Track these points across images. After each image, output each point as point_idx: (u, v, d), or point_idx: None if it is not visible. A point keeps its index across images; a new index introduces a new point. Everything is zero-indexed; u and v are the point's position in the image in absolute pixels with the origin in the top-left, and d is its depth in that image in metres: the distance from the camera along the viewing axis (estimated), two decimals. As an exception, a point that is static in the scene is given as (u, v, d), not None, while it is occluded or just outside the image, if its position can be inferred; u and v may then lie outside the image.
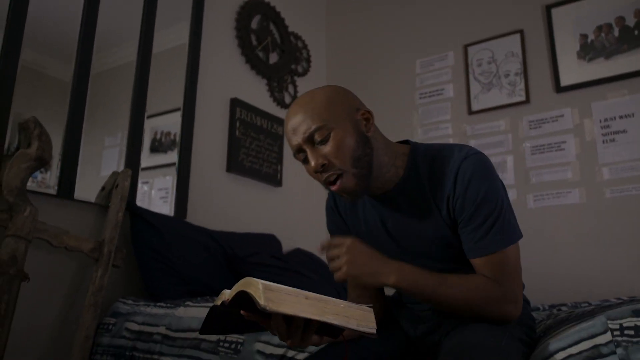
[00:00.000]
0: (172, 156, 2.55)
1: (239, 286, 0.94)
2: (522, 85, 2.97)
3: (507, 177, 2.90)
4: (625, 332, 1.05)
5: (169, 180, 2.52)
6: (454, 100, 3.19)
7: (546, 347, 1.13)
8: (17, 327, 1.79)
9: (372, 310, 1.01)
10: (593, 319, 1.12)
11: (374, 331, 0.99)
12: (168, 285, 2.11)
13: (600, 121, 2.71)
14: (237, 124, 2.88)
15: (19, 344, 1.84)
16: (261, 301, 0.87)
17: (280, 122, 3.15)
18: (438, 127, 3.21)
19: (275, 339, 1.52)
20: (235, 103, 2.90)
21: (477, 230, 1.16)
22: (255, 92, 3.11)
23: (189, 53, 2.68)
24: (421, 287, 1.15)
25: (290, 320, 1.01)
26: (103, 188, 2.19)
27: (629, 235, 2.53)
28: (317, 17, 3.80)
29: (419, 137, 3.25)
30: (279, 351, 1.50)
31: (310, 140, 1.16)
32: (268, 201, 3.05)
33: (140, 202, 2.35)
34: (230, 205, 2.80)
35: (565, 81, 2.84)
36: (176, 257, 2.15)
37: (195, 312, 1.82)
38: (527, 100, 2.93)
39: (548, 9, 2.96)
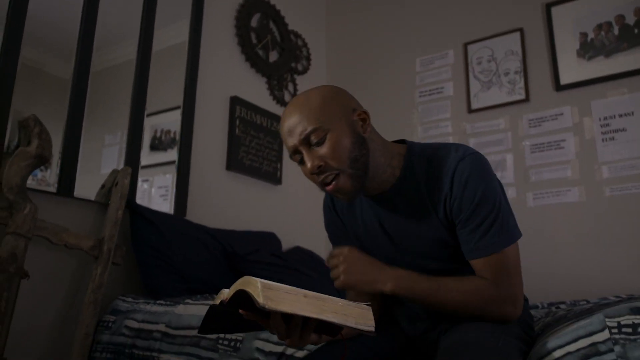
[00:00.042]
0: (172, 154, 2.55)
1: (237, 285, 0.94)
2: (522, 84, 2.97)
3: (507, 175, 2.90)
4: (623, 329, 1.05)
5: (169, 179, 2.52)
6: (454, 98, 3.19)
7: (544, 345, 1.13)
8: (17, 325, 1.79)
9: (370, 308, 1.01)
10: (591, 317, 1.12)
11: (373, 329, 0.99)
12: (168, 283, 2.11)
13: (600, 119, 2.71)
14: (237, 122, 2.88)
15: (19, 342, 1.84)
16: (260, 300, 0.87)
17: (280, 120, 3.15)
18: (438, 126, 3.21)
19: (275, 337, 1.52)
20: (235, 101, 2.90)
21: (475, 231, 1.15)
22: (255, 90, 3.11)
23: (189, 51, 2.68)
24: (418, 293, 1.17)
25: (289, 319, 1.02)
26: (103, 186, 2.19)
27: (628, 233, 2.53)
28: (317, 16, 3.80)
29: (419, 135, 3.25)
30: (278, 349, 1.50)
31: (306, 141, 1.16)
32: (268, 199, 3.06)
33: (140, 200, 2.35)
34: (230, 203, 2.81)
35: (565, 80, 2.84)
36: (176, 254, 2.15)
37: (194, 310, 1.83)
38: (526, 99, 2.94)
39: (548, 7, 2.96)
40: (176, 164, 2.54)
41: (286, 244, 2.97)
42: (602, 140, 2.68)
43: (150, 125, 2.49)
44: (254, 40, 3.14)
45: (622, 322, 1.06)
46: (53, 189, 2.03)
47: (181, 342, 1.75)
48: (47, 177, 2.04)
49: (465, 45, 3.21)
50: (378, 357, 1.25)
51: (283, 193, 3.15)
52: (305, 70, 3.50)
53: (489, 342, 1.08)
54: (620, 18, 2.76)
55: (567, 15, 2.90)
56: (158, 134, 2.53)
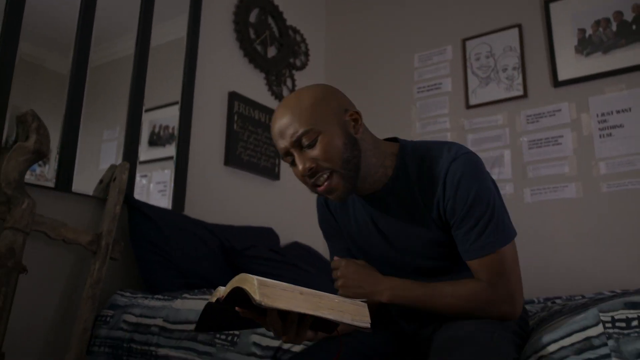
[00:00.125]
0: (171, 150, 2.55)
1: (234, 282, 0.94)
2: (520, 80, 2.97)
3: (504, 171, 2.91)
4: (617, 324, 1.06)
5: (167, 174, 2.52)
6: (452, 94, 3.19)
7: (539, 339, 1.14)
8: (15, 320, 1.80)
9: (366, 305, 1.02)
10: (585, 312, 1.13)
11: (369, 325, 1.00)
12: (165, 277, 2.12)
13: (598, 116, 2.71)
14: (235, 118, 2.88)
15: (17, 337, 1.85)
16: (256, 297, 0.88)
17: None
18: (436, 121, 3.21)
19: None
20: (233, 97, 2.90)
21: (470, 232, 1.15)
22: (254, 85, 3.11)
23: (187, 46, 2.68)
24: (413, 301, 1.20)
25: (285, 316, 1.02)
26: (101, 181, 2.19)
27: (625, 229, 2.54)
28: (315, 11, 3.79)
29: (417, 131, 3.26)
30: (275, 343, 1.51)
31: (297, 144, 1.15)
32: (266, 195, 3.06)
33: (138, 195, 2.35)
34: (228, 198, 2.81)
35: (562, 76, 2.84)
36: (174, 249, 2.16)
37: (192, 305, 1.83)
38: (524, 95, 2.94)
39: (546, 3, 2.96)
40: (174, 159, 2.54)
41: (284, 239, 2.98)
42: (600, 136, 2.69)
43: (149, 121, 2.50)
44: (253, 36, 3.14)
45: (616, 317, 1.07)
46: (51, 184, 2.03)
47: (179, 337, 1.75)
48: (46, 173, 2.04)
49: (464, 41, 3.21)
50: (374, 353, 1.26)
51: (281, 188, 3.16)
52: (303, 66, 3.50)
53: (483, 336, 1.08)
54: (619, 14, 2.76)
55: (566, 11, 2.90)
56: (156, 130, 2.53)
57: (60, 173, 2.05)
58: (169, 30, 2.66)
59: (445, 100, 3.21)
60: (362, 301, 1.03)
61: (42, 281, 1.97)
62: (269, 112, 3.10)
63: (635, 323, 1.04)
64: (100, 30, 2.27)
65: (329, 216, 1.41)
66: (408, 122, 3.31)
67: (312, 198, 1.50)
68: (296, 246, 2.86)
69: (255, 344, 1.55)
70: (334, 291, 1.43)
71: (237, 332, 1.62)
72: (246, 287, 0.90)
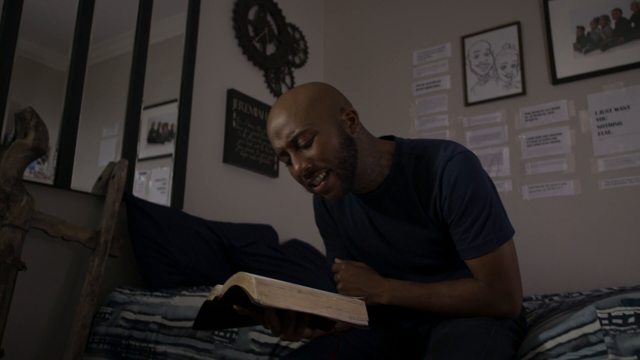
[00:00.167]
0: (170, 147, 2.56)
1: (231, 281, 0.95)
2: (519, 77, 2.97)
3: (503, 168, 2.91)
4: (614, 321, 1.06)
5: (166, 171, 2.52)
6: (451, 91, 3.20)
7: (536, 336, 1.14)
8: (14, 317, 1.80)
9: (363, 302, 1.02)
10: (582, 309, 1.13)
11: (366, 323, 1.00)
12: (164, 274, 2.12)
13: (596, 113, 2.72)
14: (234, 115, 2.88)
15: (16, 333, 1.85)
16: (255, 295, 0.88)
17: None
18: (435, 119, 3.21)
19: (269, 329, 1.54)
20: (232, 94, 2.90)
21: (468, 232, 1.15)
22: (252, 83, 3.11)
23: (186, 44, 2.68)
24: (413, 302, 1.22)
25: (283, 314, 1.03)
26: (100, 178, 2.19)
27: (623, 226, 2.54)
28: (314, 9, 3.79)
29: (416, 128, 3.26)
30: (273, 340, 1.52)
31: (293, 144, 1.14)
32: (264, 192, 3.06)
33: (137, 192, 2.36)
34: (227, 196, 2.81)
35: (561, 73, 2.84)
36: (173, 246, 2.16)
37: (191, 302, 1.84)
38: (523, 92, 2.94)
39: (545, 1, 2.96)
40: (173, 156, 2.54)
41: (283, 236, 2.98)
42: (598, 133, 2.69)
43: (148, 118, 2.50)
44: (251, 33, 3.14)
45: (613, 314, 1.07)
46: (50, 182, 2.03)
47: (177, 334, 1.76)
48: (45, 170, 2.04)
49: (463, 38, 3.21)
50: (372, 349, 1.26)
51: (280, 186, 3.16)
52: (302, 63, 3.50)
53: (480, 333, 1.09)
54: (617, 12, 2.76)
55: (564, 8, 2.90)
56: (155, 127, 2.53)
57: (59, 170, 2.05)
58: (167, 27, 2.66)
59: (444, 98, 3.21)
60: (359, 299, 1.03)
61: (41, 278, 1.97)
62: (268, 109, 3.11)
63: (631, 320, 1.04)
64: (100, 28, 2.27)
65: (326, 214, 1.41)
66: (407, 120, 3.31)
67: (311, 196, 1.50)
68: (295, 243, 2.86)
69: (254, 341, 1.56)
70: (332, 288, 1.44)
71: (235, 329, 1.62)
72: (244, 285, 0.90)
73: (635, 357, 1.00)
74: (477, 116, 3.07)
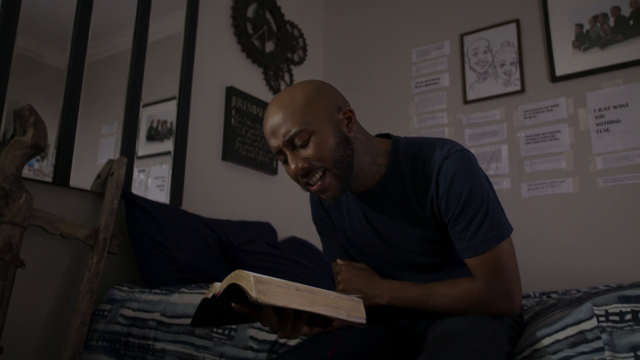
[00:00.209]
0: (169, 144, 2.56)
1: (229, 279, 0.95)
2: (518, 75, 2.97)
3: (502, 166, 2.92)
4: (610, 318, 1.06)
5: (165, 169, 2.53)
6: (450, 89, 3.20)
7: (534, 333, 1.15)
8: (13, 314, 1.81)
9: (361, 300, 1.03)
10: (580, 306, 1.14)
11: (364, 321, 1.00)
12: (163, 272, 2.12)
13: (595, 111, 2.72)
14: (233, 113, 2.89)
15: (15, 330, 1.85)
16: (253, 294, 0.88)
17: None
18: (434, 117, 3.21)
19: (268, 327, 1.54)
20: (231, 91, 2.90)
21: (466, 231, 1.15)
22: (251, 80, 3.11)
23: (185, 41, 2.68)
24: (412, 302, 1.23)
25: (280, 312, 1.03)
26: (99, 176, 2.20)
27: (621, 224, 2.55)
28: (313, 6, 3.79)
29: (415, 126, 3.26)
30: (272, 337, 1.52)
31: (290, 143, 1.14)
32: (263, 189, 3.07)
33: (137, 190, 2.36)
34: (226, 193, 2.82)
35: (560, 71, 2.84)
36: (171, 244, 2.17)
37: (189, 299, 1.84)
38: (522, 90, 2.94)
39: (544, -2, 2.96)
40: (172, 154, 2.54)
41: (282, 234, 2.99)
42: (597, 131, 2.69)
43: (147, 116, 2.50)
44: (250, 31, 3.14)
45: (610, 311, 1.08)
46: (49, 179, 2.04)
47: (176, 331, 1.76)
48: (44, 168, 2.05)
49: (462, 36, 3.21)
50: (369, 346, 1.26)
51: (279, 183, 3.16)
52: (301, 61, 3.50)
53: (478, 330, 1.09)
54: (616, 9, 2.76)
55: (563, 6, 2.90)
56: (154, 125, 2.54)
57: (57, 167, 2.05)
58: (166, 25, 2.66)
59: (443, 96, 3.21)
60: (357, 297, 1.04)
61: (40, 275, 1.97)
62: (267, 107, 3.10)
63: (628, 317, 1.05)
64: (98, 25, 2.27)
65: (323, 212, 1.41)
66: (406, 117, 3.31)
67: (309, 193, 1.50)
68: (294, 241, 2.87)
69: (252, 338, 1.56)
70: (331, 286, 1.44)
71: (234, 326, 1.63)
72: (242, 283, 0.90)
73: (632, 354, 1.00)
74: (476, 114, 3.07)
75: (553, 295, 1.82)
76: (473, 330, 1.09)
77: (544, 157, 2.81)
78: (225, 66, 2.94)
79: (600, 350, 1.04)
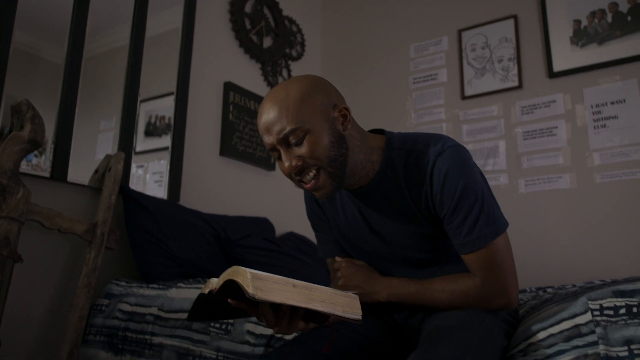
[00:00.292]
0: (167, 140, 2.56)
1: (226, 275, 0.95)
2: (515, 71, 2.98)
3: (499, 162, 2.92)
4: (605, 312, 1.07)
5: (163, 164, 2.53)
6: (448, 85, 3.20)
7: (529, 327, 1.16)
8: (11, 308, 1.81)
9: (357, 297, 1.03)
10: (575, 300, 1.14)
11: (360, 317, 1.01)
12: (160, 267, 2.13)
13: (592, 107, 2.72)
14: (231, 108, 2.89)
15: (13, 325, 1.86)
16: (250, 290, 0.88)
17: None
18: (431, 112, 3.22)
19: (264, 322, 1.55)
20: (228, 87, 2.90)
21: (462, 226, 1.15)
22: (249, 76, 3.11)
23: (183, 37, 2.68)
24: (409, 298, 1.24)
25: (277, 308, 1.03)
26: (96, 171, 2.20)
27: (618, 220, 2.55)
28: (311, 2, 3.79)
29: (413, 121, 3.26)
30: (268, 331, 1.53)
31: (284, 141, 1.13)
32: (261, 185, 3.07)
33: (135, 185, 2.36)
34: (224, 188, 2.82)
35: (557, 67, 2.85)
36: (169, 239, 2.17)
37: (187, 294, 1.85)
38: (519, 86, 2.95)
39: (542, -6, 2.96)
40: (170, 149, 2.54)
41: (280, 229, 2.99)
42: (594, 127, 2.70)
43: (145, 111, 2.50)
44: (248, 26, 3.14)
45: (604, 305, 1.08)
46: (47, 174, 2.04)
47: (173, 325, 1.77)
48: (42, 163, 2.05)
49: (460, 31, 3.21)
50: (365, 341, 1.27)
51: (276, 179, 3.16)
52: (299, 56, 3.50)
53: (472, 324, 1.10)
54: (614, 5, 2.76)
55: (561, 2, 2.90)
56: (153, 120, 2.54)
57: (55, 162, 2.06)
58: (164, 20, 2.65)
59: (440, 91, 3.21)
60: (354, 293, 1.04)
61: (38, 270, 1.98)
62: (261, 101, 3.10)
63: (622, 311, 1.06)
64: (96, 21, 2.27)
65: (317, 208, 1.41)
66: (404, 113, 3.31)
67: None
68: (291, 236, 2.87)
69: (249, 332, 1.57)
70: (328, 281, 1.45)
71: (231, 321, 1.63)
72: (239, 279, 0.91)
73: (626, 348, 1.01)
74: (473, 109, 3.07)
75: (549, 289, 1.83)
76: (468, 324, 1.10)
77: (541, 152, 2.81)
78: (223, 61, 2.94)
79: (594, 344, 1.04)
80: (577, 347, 1.06)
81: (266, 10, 3.29)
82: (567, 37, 2.85)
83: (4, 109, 1.90)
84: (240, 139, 2.91)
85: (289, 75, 3.38)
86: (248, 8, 3.16)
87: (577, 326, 1.09)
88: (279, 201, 3.13)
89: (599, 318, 1.07)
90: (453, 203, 1.14)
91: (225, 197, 2.80)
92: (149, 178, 2.49)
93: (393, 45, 3.45)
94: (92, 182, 2.18)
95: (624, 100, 2.65)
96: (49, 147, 2.06)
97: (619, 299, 1.08)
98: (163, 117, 2.56)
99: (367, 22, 3.60)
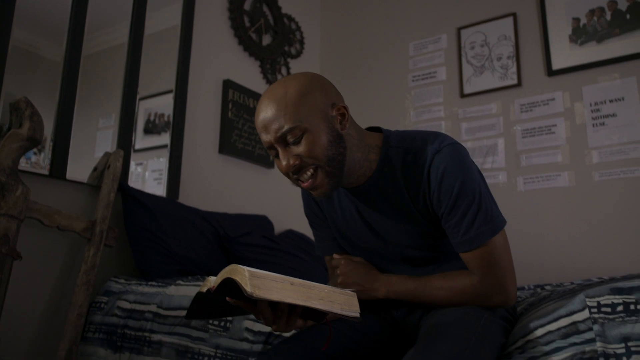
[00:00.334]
0: (166, 138, 2.56)
1: (224, 273, 0.95)
2: (514, 69, 2.98)
3: (498, 160, 2.92)
4: (602, 309, 1.07)
5: (162, 162, 2.53)
6: (447, 83, 3.20)
7: (526, 324, 1.16)
8: (9, 306, 1.81)
9: (355, 294, 1.04)
10: (572, 297, 1.15)
11: (358, 315, 1.01)
12: (159, 264, 2.13)
13: (591, 105, 2.72)
14: (230, 106, 2.89)
15: (12, 322, 1.86)
16: (248, 288, 0.88)
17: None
18: (430, 110, 3.22)
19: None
20: (227, 85, 2.90)
21: (460, 225, 1.15)
22: (248, 73, 3.11)
23: (182, 35, 2.68)
24: (408, 295, 1.24)
25: (275, 306, 1.04)
26: (95, 168, 2.20)
27: (616, 218, 2.56)
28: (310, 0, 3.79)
29: (412, 119, 3.27)
30: (267, 329, 1.53)
31: (282, 140, 1.12)
32: (260, 182, 3.07)
33: (134, 183, 2.36)
34: (223, 186, 2.82)
35: (556, 65, 2.85)
36: (168, 236, 2.17)
37: (185, 291, 1.85)
38: (518, 84, 2.95)
39: (541, -8, 2.96)
40: (169, 147, 2.54)
41: (279, 227, 2.99)
42: (593, 125, 2.70)
43: (145, 109, 2.50)
44: (247, 24, 3.14)
45: (602, 302, 1.09)
46: (46, 172, 2.04)
47: (172, 322, 1.77)
48: (41, 161, 2.05)
49: (459, 29, 3.21)
50: (363, 338, 1.27)
51: (275, 177, 3.16)
52: (298, 54, 3.50)
53: (470, 321, 1.10)
54: (613, 3, 2.76)
55: (560, 0, 2.90)
56: (152, 118, 2.54)
57: (54, 160, 2.05)
58: (163, 18, 2.65)
59: (439, 89, 3.21)
60: (352, 291, 1.04)
61: (37, 268, 1.98)
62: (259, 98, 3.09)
63: (620, 308, 1.06)
64: (95, 18, 2.26)
65: (315, 206, 1.41)
66: (402, 111, 3.31)
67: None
68: (290, 234, 2.87)
69: (248, 330, 1.57)
70: (326, 279, 1.45)
71: (229, 318, 1.63)
72: (237, 278, 0.91)
73: (623, 345, 1.01)
74: (472, 107, 3.07)
75: (547, 287, 1.83)
76: (466, 321, 1.10)
77: (540, 150, 2.82)
78: (222, 59, 2.94)
79: (591, 341, 1.05)
80: (575, 344, 1.06)
81: (265, 8, 3.29)
82: (566, 35, 2.85)
83: (2, 106, 1.90)
84: (239, 137, 2.91)
85: (288, 73, 3.38)
86: (247, 6, 3.16)
87: (574, 323, 1.09)
88: (278, 199, 3.13)
89: (596, 315, 1.07)
90: (451, 201, 1.14)
91: (225, 194, 2.80)
92: (148, 176, 2.49)
93: (392, 43, 3.45)
94: (91, 180, 2.18)
95: (623, 98, 2.65)
96: (48, 144, 2.06)
97: (617, 296, 1.08)
98: (162, 115, 2.56)
99: (366, 20, 3.60)
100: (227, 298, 1.03)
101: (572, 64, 2.81)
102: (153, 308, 1.86)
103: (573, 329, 1.08)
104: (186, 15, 2.70)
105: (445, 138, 1.19)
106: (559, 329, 1.10)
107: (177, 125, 2.57)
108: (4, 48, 1.92)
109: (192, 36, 2.72)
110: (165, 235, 2.16)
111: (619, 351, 1.01)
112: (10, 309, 1.83)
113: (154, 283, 2.01)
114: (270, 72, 3.24)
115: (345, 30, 3.69)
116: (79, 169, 2.14)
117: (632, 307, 1.05)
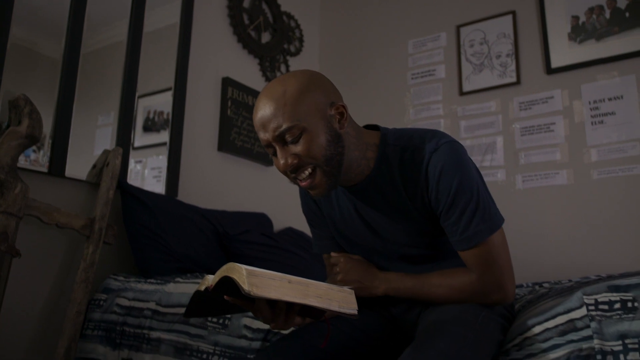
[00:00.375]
0: (165, 135, 2.56)
1: (222, 272, 0.95)
2: (513, 67, 2.98)
3: (497, 157, 2.93)
4: (600, 306, 1.08)
5: (162, 160, 2.53)
6: (446, 81, 3.20)
7: (524, 322, 1.16)
8: (8, 303, 1.81)
9: (353, 292, 1.04)
10: (570, 295, 1.15)
11: (356, 312, 1.02)
12: (158, 262, 2.13)
13: (590, 103, 2.73)
14: (229, 104, 2.89)
15: (11, 320, 1.86)
16: (245, 286, 0.88)
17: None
18: (429, 108, 3.22)
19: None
20: (226, 82, 2.90)
21: (458, 223, 1.15)
22: (247, 71, 3.11)
23: (181, 32, 2.67)
24: (406, 292, 1.25)
25: (273, 304, 1.04)
26: (94, 166, 2.20)
27: (614, 216, 2.56)
28: (310, -3, 3.78)
29: (411, 117, 3.27)
30: (266, 326, 1.53)
31: (280, 138, 1.12)
32: (259, 180, 3.07)
33: (133, 181, 2.36)
34: (222, 184, 2.82)
35: (555, 63, 2.85)
36: (167, 234, 2.17)
37: (184, 288, 1.85)
38: (517, 82, 2.95)
39: (540, -10, 2.96)
40: (168, 145, 2.54)
41: (278, 224, 3.00)
42: (592, 123, 2.70)
43: (144, 107, 2.50)
44: (246, 22, 3.13)
45: (599, 300, 1.09)
46: (45, 169, 2.04)
47: (171, 320, 1.77)
48: (40, 158, 2.05)
49: (458, 27, 3.21)
50: (362, 335, 1.28)
51: (275, 174, 3.16)
52: (297, 52, 3.50)
53: (468, 319, 1.11)
54: (612, 1, 2.76)
55: (559, -2, 2.91)
56: (151, 115, 2.54)
57: (53, 158, 2.06)
58: (162, 15, 2.65)
59: (438, 87, 3.21)
60: (349, 288, 1.05)
61: (36, 265, 1.98)
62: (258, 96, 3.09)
63: (617, 305, 1.06)
64: (94, 16, 2.26)
65: (313, 204, 1.41)
66: (402, 109, 3.31)
67: (298, 185, 1.50)
68: (289, 232, 2.88)
69: (246, 327, 1.57)
70: (325, 276, 1.45)
71: (228, 315, 1.64)
72: (235, 276, 0.91)
73: (620, 342, 1.02)
74: (471, 105, 3.07)
75: (545, 284, 1.84)
76: (464, 318, 1.10)
77: (538, 148, 2.82)
78: (221, 57, 2.94)
79: (589, 338, 1.05)
80: (572, 341, 1.07)
81: (264, 6, 3.29)
82: (565, 33, 2.85)
83: (1, 104, 1.90)
84: (238, 135, 2.91)
85: (287, 71, 3.37)
86: (246, 3, 3.16)
87: (572, 321, 1.09)
88: (277, 196, 3.14)
89: (594, 313, 1.08)
90: (449, 200, 1.14)
91: (224, 192, 2.80)
92: (148, 173, 2.49)
93: (391, 41, 3.45)
94: (90, 177, 2.18)
95: (622, 97, 2.65)
96: (47, 142, 2.06)
97: (614, 294, 1.09)
98: (161, 113, 2.56)
99: (365, 18, 3.60)
100: (225, 296, 1.03)
101: (571, 62, 2.81)
102: (152, 305, 1.86)
103: (570, 327, 1.09)
104: (185, 13, 2.70)
105: (442, 136, 1.19)
106: (556, 326, 1.11)
107: (176, 123, 2.57)
108: (3, 45, 1.92)
109: (191, 34, 2.72)
110: (164, 233, 2.16)
111: (616, 348, 1.01)
112: (10, 306, 1.83)
113: (153, 280, 2.01)
114: (269, 69, 3.24)
115: (344, 28, 3.69)
116: (78, 166, 2.14)
117: (629, 304, 1.05)
